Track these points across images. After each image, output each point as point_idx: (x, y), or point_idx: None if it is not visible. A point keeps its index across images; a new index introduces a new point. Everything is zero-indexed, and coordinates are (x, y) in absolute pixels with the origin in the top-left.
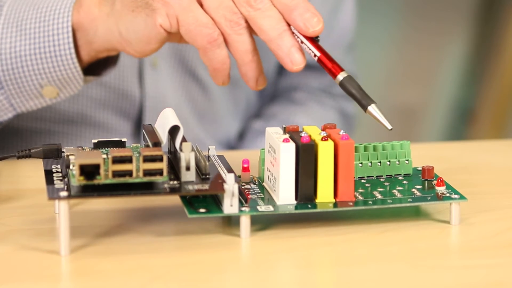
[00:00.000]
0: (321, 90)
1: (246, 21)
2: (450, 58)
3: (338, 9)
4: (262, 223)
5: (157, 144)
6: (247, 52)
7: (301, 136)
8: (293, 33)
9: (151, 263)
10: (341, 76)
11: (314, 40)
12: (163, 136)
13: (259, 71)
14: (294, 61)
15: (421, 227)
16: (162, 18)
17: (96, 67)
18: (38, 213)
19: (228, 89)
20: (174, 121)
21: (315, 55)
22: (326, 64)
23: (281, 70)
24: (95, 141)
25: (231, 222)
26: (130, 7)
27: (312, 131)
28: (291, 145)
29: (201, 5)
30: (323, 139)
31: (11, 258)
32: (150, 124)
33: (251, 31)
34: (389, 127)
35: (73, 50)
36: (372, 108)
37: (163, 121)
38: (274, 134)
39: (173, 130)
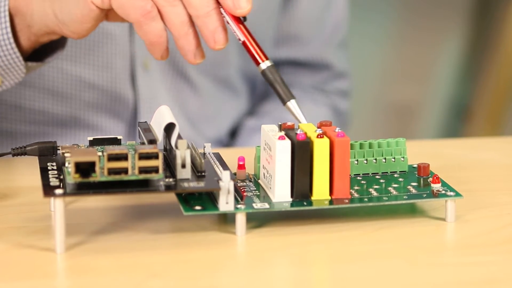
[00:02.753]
0: (313, 87)
1: None
2: (445, 55)
3: (330, 5)
4: (257, 220)
5: (152, 141)
6: (183, 24)
7: (296, 134)
8: (220, 12)
9: (147, 260)
10: (264, 65)
11: (241, 21)
12: (159, 134)
13: (197, 44)
14: (218, 40)
15: (416, 224)
16: None
17: (42, 53)
18: (33, 211)
19: (219, 89)
20: (170, 118)
21: (239, 39)
22: (249, 50)
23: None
24: (91, 138)
25: (227, 220)
26: None
27: (308, 128)
28: (287, 143)
29: None
30: (319, 136)
31: (7, 256)
32: (145, 122)
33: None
34: (304, 121)
35: (11, 35)
36: (291, 104)
37: (159, 119)
38: (269, 131)
39: (169, 128)
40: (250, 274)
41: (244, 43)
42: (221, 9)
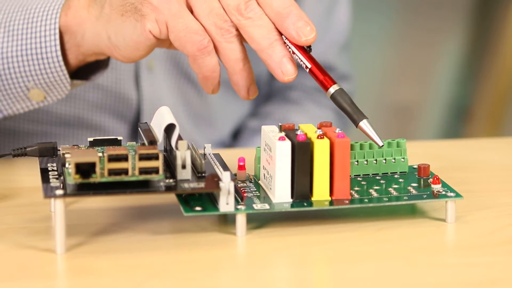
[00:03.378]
0: (316, 89)
1: (237, 29)
2: (446, 56)
3: (334, 8)
4: (258, 221)
5: (153, 142)
6: (238, 60)
7: (297, 134)
8: (284, 42)
9: (147, 261)
10: (332, 89)
11: (305, 50)
12: (159, 134)
13: (251, 80)
14: (285, 71)
15: (417, 225)
16: (151, 23)
17: (86, 71)
18: (34, 212)
19: (223, 91)
20: (170, 119)
21: (306, 67)
22: (317, 76)
23: None
24: (91, 139)
25: (227, 220)
26: (120, 11)
27: (308, 129)
28: (287, 143)
29: (191, 12)
30: (319, 137)
31: (7, 256)
32: (146, 122)
33: (242, 39)
34: (380, 143)
35: (59, 53)
36: (363, 124)
37: (159, 120)
38: (270, 132)
39: (169, 128)
40: (250, 275)
41: (311, 71)
42: (284, 39)
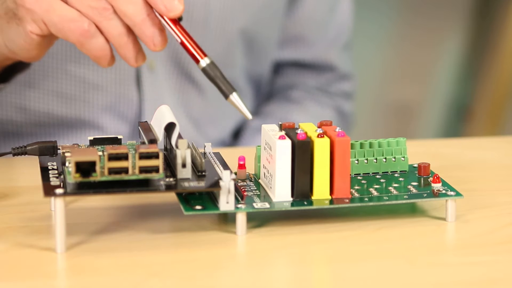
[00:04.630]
0: (318, 88)
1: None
2: (446, 55)
3: (336, 6)
4: (258, 220)
5: (153, 141)
6: (121, 35)
7: (297, 133)
8: (155, 16)
9: (147, 260)
10: (203, 62)
11: (177, 23)
12: (159, 133)
13: (137, 49)
14: (157, 43)
15: (417, 224)
16: (30, 25)
17: (9, 72)
18: (34, 211)
19: None
20: (170, 118)
21: (177, 40)
22: (188, 49)
23: (277, 69)
24: (91, 138)
25: (227, 219)
26: (5, 19)
27: (308, 128)
28: (287, 142)
29: (66, 2)
30: (319, 136)
31: (7, 255)
32: (146, 121)
33: None
34: (250, 116)
35: None
36: (233, 97)
37: (159, 118)
38: (270, 131)
39: (169, 127)
40: (250, 274)
41: (182, 44)
42: (156, 12)
